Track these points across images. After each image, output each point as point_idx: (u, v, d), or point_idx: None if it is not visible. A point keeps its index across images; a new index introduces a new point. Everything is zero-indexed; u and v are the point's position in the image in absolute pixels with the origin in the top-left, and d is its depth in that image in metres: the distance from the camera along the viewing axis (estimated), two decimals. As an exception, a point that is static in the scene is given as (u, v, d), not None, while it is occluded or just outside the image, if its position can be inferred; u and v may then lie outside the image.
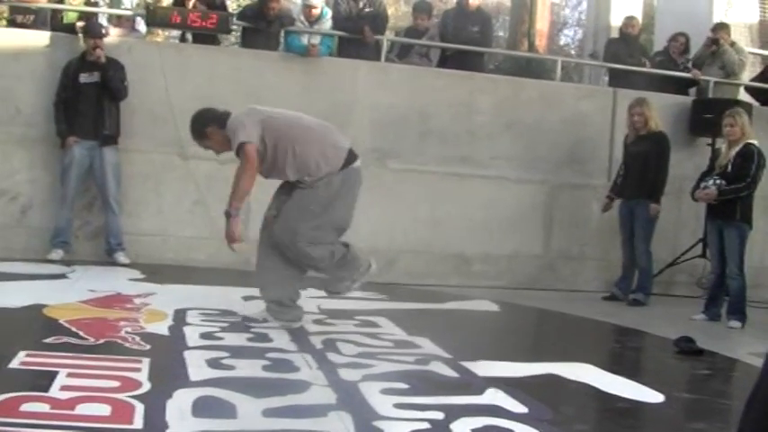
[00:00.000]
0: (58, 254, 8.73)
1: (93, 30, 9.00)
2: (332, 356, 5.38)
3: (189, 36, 10.14)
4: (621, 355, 7.07)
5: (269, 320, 6.22)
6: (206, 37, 9.92)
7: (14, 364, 4.61)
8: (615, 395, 5.04)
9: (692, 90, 11.45)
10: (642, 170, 9.27)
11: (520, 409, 4.46)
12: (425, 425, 4.06)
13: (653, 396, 5.06)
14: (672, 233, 10.19)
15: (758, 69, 12.38)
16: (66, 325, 5.70)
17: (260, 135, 6.05)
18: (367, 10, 10.34)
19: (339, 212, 6.21)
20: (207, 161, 8.81)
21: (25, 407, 3.86)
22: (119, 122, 8.96)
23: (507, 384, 4.93)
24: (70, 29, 9.31)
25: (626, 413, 4.82)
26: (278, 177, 6.28)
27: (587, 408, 5.04)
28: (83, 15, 9.52)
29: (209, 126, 6.29)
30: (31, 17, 9.66)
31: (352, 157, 6.27)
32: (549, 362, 5.69)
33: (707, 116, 10.18)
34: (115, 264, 8.79)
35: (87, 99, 8.82)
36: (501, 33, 22.86)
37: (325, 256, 6.16)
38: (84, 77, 8.83)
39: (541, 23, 17.54)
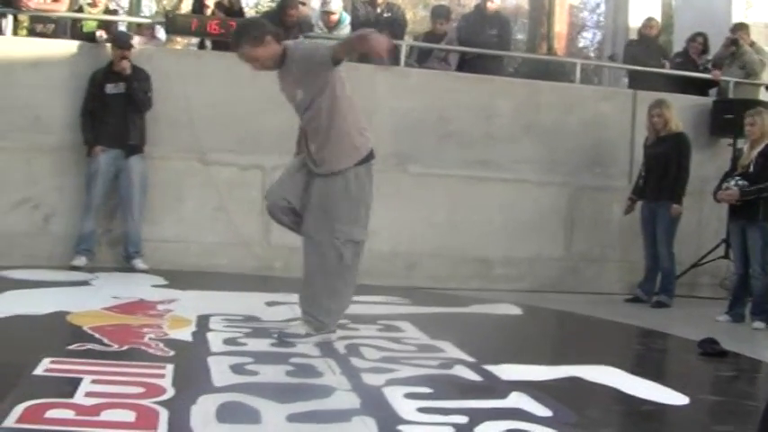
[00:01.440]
0: (81, 260, 8.76)
1: (121, 40, 9.04)
2: (355, 361, 5.37)
3: (208, 43, 10.17)
4: (645, 357, 7.03)
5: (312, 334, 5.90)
6: (225, 44, 9.92)
7: (39, 371, 4.62)
8: (639, 398, 5.01)
9: (713, 91, 11.40)
10: (663, 172, 9.24)
11: (544, 412, 4.44)
12: (449, 429, 4.05)
13: (677, 398, 5.03)
14: (694, 234, 10.16)
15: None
16: (90, 332, 5.71)
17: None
18: (386, 15, 10.37)
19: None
20: (228, 167, 8.88)
21: (50, 413, 3.87)
22: (144, 132, 9.00)
23: (531, 388, 4.91)
24: (90, 38, 9.36)
25: (650, 416, 4.79)
26: (315, 141, 5.90)
27: (611, 411, 5.01)
28: (102, 24, 9.56)
29: (268, 35, 5.82)
30: (51, 26, 9.71)
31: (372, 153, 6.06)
32: (572, 365, 5.66)
33: (728, 117, 10.15)
34: (134, 270, 8.82)
35: (113, 109, 8.85)
36: (520, 36, 22.81)
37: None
38: (110, 88, 8.88)
39: (560, 26, 17.48)
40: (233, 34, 6.05)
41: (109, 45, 9.06)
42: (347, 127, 5.84)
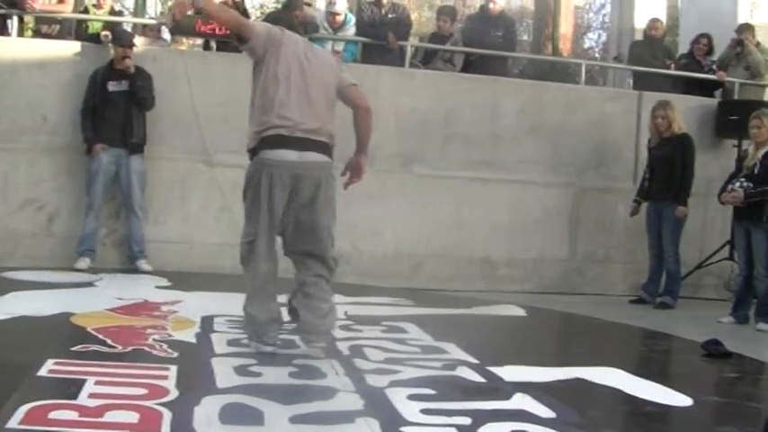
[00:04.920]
0: (85, 262, 8.76)
1: (121, 38, 9.05)
2: (359, 362, 5.38)
3: (213, 44, 10.17)
4: (649, 358, 7.03)
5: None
6: (229, 45, 9.95)
7: (43, 372, 4.63)
8: (643, 399, 5.01)
9: (718, 92, 11.38)
10: (667, 173, 9.23)
11: (547, 413, 4.44)
12: (453, 430, 4.06)
13: (681, 400, 5.03)
14: (699, 236, 10.16)
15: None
16: (94, 333, 5.72)
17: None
18: (390, 16, 10.36)
19: None
20: (232, 168, 8.85)
21: (54, 414, 3.88)
22: (145, 131, 9.01)
23: (534, 389, 4.92)
24: (95, 38, 9.36)
25: (654, 417, 4.79)
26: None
27: (615, 412, 5.01)
28: (107, 25, 9.57)
29: None
30: (56, 27, 9.72)
31: None
32: (576, 366, 5.67)
33: (733, 118, 10.12)
34: (138, 271, 8.83)
35: (115, 107, 8.86)
36: (525, 37, 22.84)
37: None
38: (112, 86, 8.88)
39: (565, 27, 17.53)
40: None
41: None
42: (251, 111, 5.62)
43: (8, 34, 9.41)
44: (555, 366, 5.66)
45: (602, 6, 28.25)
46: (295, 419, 4.07)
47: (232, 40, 5.89)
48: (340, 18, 10.07)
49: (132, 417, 3.94)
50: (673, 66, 11.29)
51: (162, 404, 4.16)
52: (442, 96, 9.94)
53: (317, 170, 5.49)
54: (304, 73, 5.51)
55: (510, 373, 5.33)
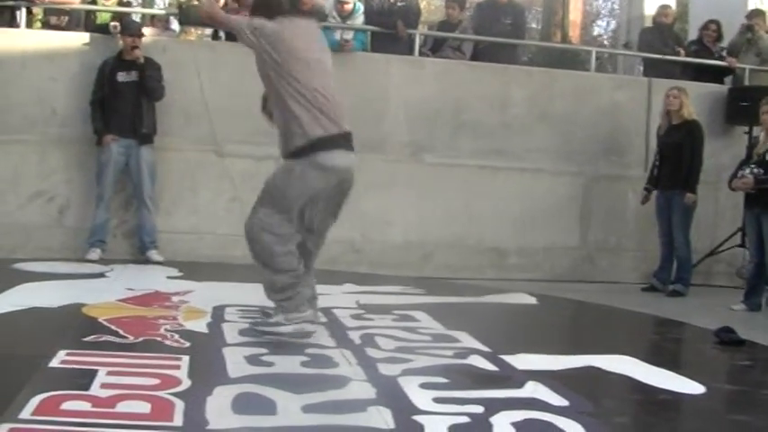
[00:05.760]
0: (96, 253, 8.78)
1: (130, 27, 9.06)
2: (370, 351, 5.38)
3: (222, 34, 10.16)
4: (661, 346, 7.01)
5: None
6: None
7: (55, 363, 4.64)
8: (655, 387, 4.99)
9: (728, 78, 11.34)
10: (677, 160, 9.20)
11: (560, 401, 4.43)
12: (465, 419, 4.05)
13: (693, 387, 5.01)
14: (710, 223, 10.14)
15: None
16: (106, 323, 5.72)
17: None
18: (399, 4, 10.33)
19: None
20: (243, 159, 8.90)
21: (66, 405, 3.88)
22: (155, 121, 9.01)
23: (547, 377, 4.90)
24: (104, 29, 9.35)
25: (666, 405, 4.78)
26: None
27: (628, 400, 5.01)
28: (116, 15, 9.56)
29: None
30: (65, 18, 9.74)
31: None
32: (588, 354, 5.65)
33: (743, 104, 10.07)
34: (148, 261, 8.84)
35: (125, 98, 8.86)
36: (534, 25, 22.77)
37: None
38: (121, 76, 8.88)
39: (574, 14, 17.48)
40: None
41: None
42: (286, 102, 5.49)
43: (17, 26, 9.42)
44: (567, 354, 5.65)
45: (611, -7, 28.19)
46: (307, 408, 4.07)
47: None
48: (349, 6, 10.04)
49: (144, 407, 3.93)
50: (683, 52, 11.25)
51: (174, 394, 4.15)
52: (452, 85, 9.92)
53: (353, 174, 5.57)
54: (321, 60, 5.54)
55: (522, 361, 5.31)
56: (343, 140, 5.48)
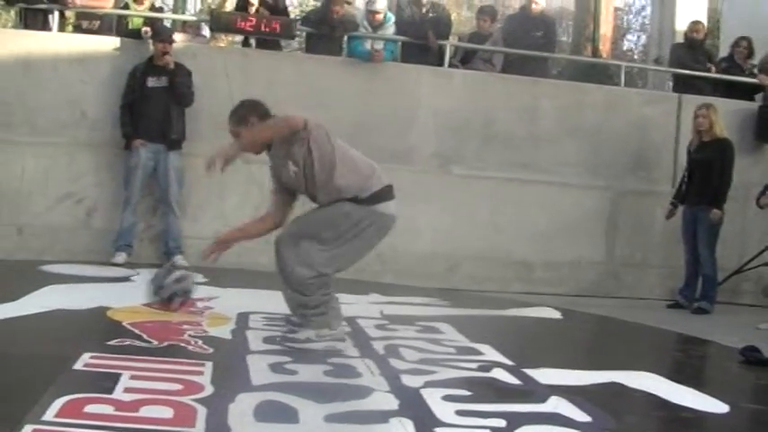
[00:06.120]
0: (121, 257, 8.82)
1: (161, 32, 9.11)
2: (394, 362, 5.36)
3: (252, 41, 10.20)
4: (685, 364, 6.97)
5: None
6: (268, 42, 9.98)
7: (79, 365, 4.65)
8: (679, 405, 4.96)
9: (758, 95, 11.28)
10: (706, 177, 9.16)
11: (583, 417, 4.41)
12: (487, 432, 4.04)
13: (717, 406, 4.97)
14: (738, 240, 10.07)
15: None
16: (130, 327, 5.74)
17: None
18: (430, 15, 10.34)
19: None
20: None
21: (89, 408, 3.89)
22: (184, 127, 9.05)
23: (570, 392, 4.88)
24: (135, 34, 9.41)
25: (690, 423, 4.74)
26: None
27: (651, 417, 4.97)
28: (148, 21, 9.61)
29: (253, 116, 6.10)
30: (97, 23, 9.80)
31: None
32: (612, 370, 5.62)
33: (774, 122, 10.05)
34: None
35: (154, 103, 8.91)
36: (564, 38, 22.73)
37: None
38: (152, 81, 8.93)
39: (605, 28, 17.38)
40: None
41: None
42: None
43: (49, 29, 9.49)
44: (591, 370, 5.62)
45: (643, 8, 28.17)
46: (330, 418, 4.06)
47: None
48: (380, 17, 10.06)
49: (167, 412, 3.94)
50: (713, 69, 11.19)
51: (197, 400, 4.16)
52: (481, 97, 9.92)
53: None
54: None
55: (545, 375, 5.29)
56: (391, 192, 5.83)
